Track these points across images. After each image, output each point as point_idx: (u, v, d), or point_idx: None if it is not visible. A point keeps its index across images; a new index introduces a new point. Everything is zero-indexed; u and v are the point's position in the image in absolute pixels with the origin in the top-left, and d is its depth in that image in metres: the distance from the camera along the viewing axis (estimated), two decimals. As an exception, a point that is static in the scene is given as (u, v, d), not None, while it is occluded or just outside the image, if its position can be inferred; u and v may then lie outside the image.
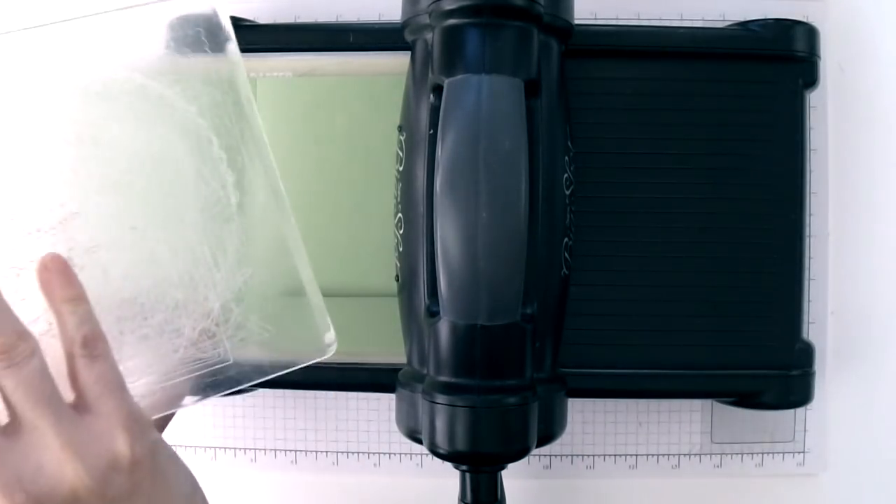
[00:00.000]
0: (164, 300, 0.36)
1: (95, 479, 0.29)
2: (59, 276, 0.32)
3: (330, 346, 0.39)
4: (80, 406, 0.31)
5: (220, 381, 0.37)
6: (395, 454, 0.51)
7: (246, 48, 0.40)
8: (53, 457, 0.29)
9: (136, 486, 0.31)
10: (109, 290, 0.34)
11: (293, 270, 0.38)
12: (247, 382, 0.37)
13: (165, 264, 0.36)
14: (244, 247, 0.38)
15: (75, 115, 0.35)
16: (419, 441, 0.42)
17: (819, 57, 0.46)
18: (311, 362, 0.39)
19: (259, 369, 0.38)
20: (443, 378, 0.40)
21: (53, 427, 0.29)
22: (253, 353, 0.38)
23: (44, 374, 0.30)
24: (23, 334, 0.30)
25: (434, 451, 0.41)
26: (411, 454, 0.51)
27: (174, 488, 0.33)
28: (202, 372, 0.37)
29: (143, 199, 0.36)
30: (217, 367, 0.37)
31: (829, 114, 0.50)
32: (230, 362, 0.37)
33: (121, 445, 0.30)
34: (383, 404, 0.51)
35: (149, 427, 0.33)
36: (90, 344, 0.32)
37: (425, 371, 0.42)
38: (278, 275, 0.38)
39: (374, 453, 0.52)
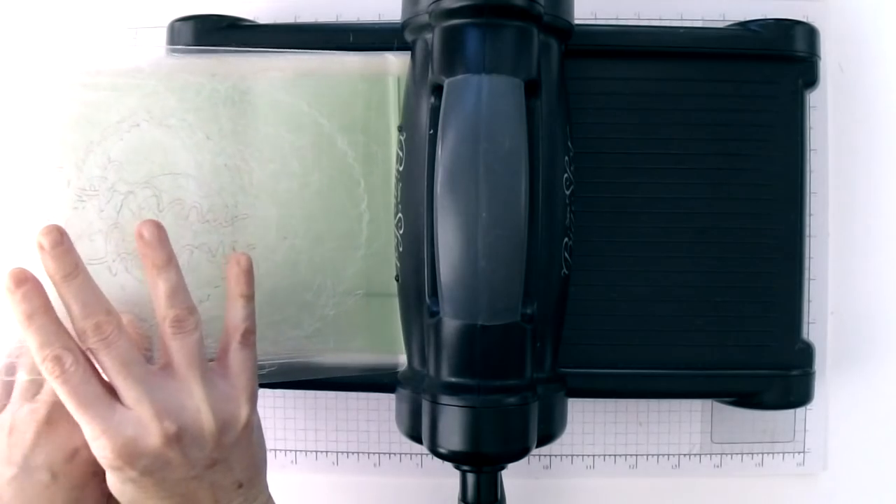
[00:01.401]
0: (295, 299, 0.44)
1: (219, 428, 0.37)
2: (244, 274, 0.40)
3: (399, 366, 0.46)
4: (220, 372, 0.39)
5: (316, 369, 0.45)
6: (395, 454, 0.51)
7: (246, 48, 0.41)
8: (194, 403, 0.37)
9: (239, 440, 0.39)
10: (255, 282, 0.41)
11: (391, 301, 0.45)
12: (334, 375, 0.45)
13: (303, 272, 0.44)
14: (362, 274, 0.45)
15: (270, 138, 0.43)
16: (419, 441, 0.42)
17: (819, 57, 0.46)
18: (382, 373, 0.46)
19: (344, 369, 0.46)
20: (443, 378, 0.41)
21: (200, 384, 0.37)
22: (344, 355, 0.46)
23: (201, 343, 0.38)
24: (192, 309, 0.38)
25: (434, 451, 0.41)
26: (411, 454, 0.51)
27: (261, 449, 0.42)
28: (305, 360, 0.45)
29: (298, 217, 0.44)
30: (317, 359, 0.45)
31: (829, 114, 0.50)
32: (328, 359, 0.45)
33: (243, 411, 0.39)
34: (383, 404, 0.51)
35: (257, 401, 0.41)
36: (248, 335, 0.40)
37: (425, 371, 0.42)
38: (380, 302, 0.46)
39: (374, 453, 0.52)
